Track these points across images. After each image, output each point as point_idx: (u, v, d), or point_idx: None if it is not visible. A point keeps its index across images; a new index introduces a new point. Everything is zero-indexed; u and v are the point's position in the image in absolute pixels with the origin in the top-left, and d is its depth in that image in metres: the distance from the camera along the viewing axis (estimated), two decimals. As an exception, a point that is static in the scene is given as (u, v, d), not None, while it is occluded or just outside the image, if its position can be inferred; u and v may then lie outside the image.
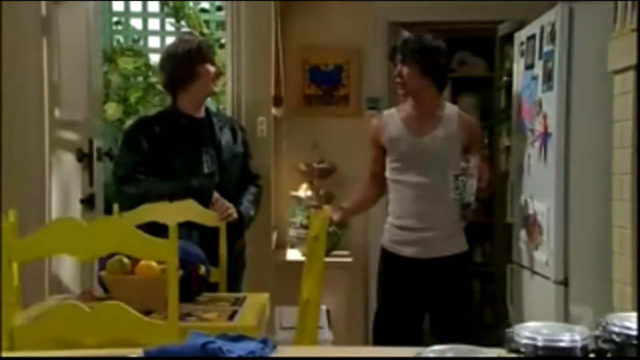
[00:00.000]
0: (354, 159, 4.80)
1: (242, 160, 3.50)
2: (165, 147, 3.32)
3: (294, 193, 4.69)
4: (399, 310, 3.42)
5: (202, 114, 3.44)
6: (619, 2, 2.75)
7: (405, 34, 5.17)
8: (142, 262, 2.57)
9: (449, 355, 1.19)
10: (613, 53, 2.76)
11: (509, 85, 5.19)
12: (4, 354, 2.00)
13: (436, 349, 1.21)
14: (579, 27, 2.94)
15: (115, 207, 3.26)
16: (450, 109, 3.44)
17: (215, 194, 3.31)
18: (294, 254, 4.56)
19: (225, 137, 3.45)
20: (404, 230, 3.37)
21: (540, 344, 1.14)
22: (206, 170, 3.34)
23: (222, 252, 3.26)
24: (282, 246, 4.64)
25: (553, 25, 3.00)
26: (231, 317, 2.54)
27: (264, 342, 1.58)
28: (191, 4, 5.09)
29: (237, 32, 4.09)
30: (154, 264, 2.57)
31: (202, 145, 3.38)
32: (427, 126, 3.34)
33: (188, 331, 2.14)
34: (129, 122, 4.82)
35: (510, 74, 4.86)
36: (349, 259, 4.56)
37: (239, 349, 1.51)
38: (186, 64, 3.34)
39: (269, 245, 4.24)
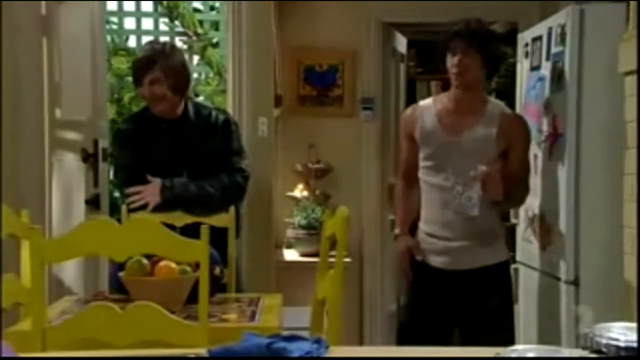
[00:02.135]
0: (349, 159, 4.83)
1: (217, 161, 3.31)
2: (144, 148, 3.29)
3: (289, 193, 4.69)
4: (425, 323, 3.06)
5: (177, 116, 3.33)
6: (631, 4, 2.79)
7: (399, 36, 5.21)
8: (162, 263, 2.56)
9: (531, 355, 1.19)
10: (624, 54, 2.80)
11: (499, 85, 5.27)
12: (35, 355, 1.98)
13: (517, 349, 1.22)
14: (590, 29, 2.98)
15: (124, 208, 3.25)
16: (495, 105, 3.05)
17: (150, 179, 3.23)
18: (291, 254, 4.56)
19: (199, 141, 3.32)
20: (432, 238, 3.04)
21: (622, 344, 1.14)
22: (180, 175, 3.27)
23: (231, 253, 3.25)
24: (278, 246, 4.63)
25: (563, 27, 3.04)
26: (252, 317, 2.54)
27: (318, 342, 1.58)
28: (185, 3, 5.06)
29: (238, 32, 4.08)
30: (173, 265, 2.56)
31: (174, 148, 3.30)
32: (464, 124, 2.97)
33: (215, 332, 2.17)
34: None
35: (505, 76, 4.93)
36: (347, 259, 4.57)
37: (296, 349, 1.51)
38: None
39: (268, 246, 4.24)
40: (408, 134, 3.09)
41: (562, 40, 3.05)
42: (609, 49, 2.88)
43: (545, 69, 3.22)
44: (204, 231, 2.08)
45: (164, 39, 5.17)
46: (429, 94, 5.89)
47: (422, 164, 3.06)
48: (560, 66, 3.07)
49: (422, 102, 3.15)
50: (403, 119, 3.18)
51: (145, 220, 2.07)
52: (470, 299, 2.99)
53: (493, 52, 2.96)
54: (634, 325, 1.24)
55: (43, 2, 3.88)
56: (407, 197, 3.16)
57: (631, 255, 2.81)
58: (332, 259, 2.88)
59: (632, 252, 2.80)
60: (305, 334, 2.89)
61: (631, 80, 2.78)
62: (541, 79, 3.27)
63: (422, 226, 3.09)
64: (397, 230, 3.13)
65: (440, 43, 3.01)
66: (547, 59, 3.22)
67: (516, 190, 2.99)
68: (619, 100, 2.83)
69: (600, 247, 2.99)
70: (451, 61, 2.95)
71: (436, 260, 3.03)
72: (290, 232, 4.57)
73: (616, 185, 2.87)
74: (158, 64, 3.21)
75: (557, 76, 3.11)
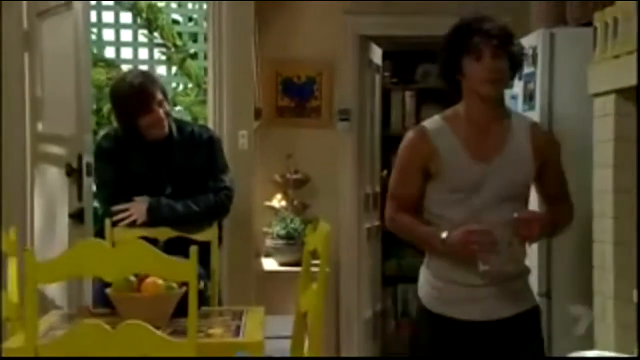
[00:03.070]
0: (326, 170, 4.93)
1: (201, 177, 3.38)
2: (127, 164, 3.34)
3: (268, 203, 4.77)
4: None
5: (165, 136, 3.36)
6: (598, 29, 2.92)
7: (375, 47, 5.32)
8: (148, 280, 2.63)
9: None
10: (593, 77, 2.93)
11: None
12: None
13: None
14: (560, 52, 3.11)
15: (107, 222, 3.31)
16: (519, 117, 2.54)
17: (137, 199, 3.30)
18: (270, 264, 4.64)
19: (183, 158, 3.37)
20: (453, 285, 2.44)
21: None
22: (164, 192, 3.34)
23: (214, 266, 3.33)
24: (257, 255, 4.71)
25: (534, 49, 3.16)
26: (236, 332, 2.63)
27: (306, 362, 1.67)
28: (164, 15, 5.12)
29: (219, 46, 4.15)
30: (159, 281, 2.63)
31: (159, 168, 3.36)
32: (492, 145, 2.41)
33: (202, 348, 2.26)
34: (102, 133, 4.83)
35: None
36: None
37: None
38: (123, 116, 3.30)
39: (248, 256, 4.31)
40: (417, 164, 2.45)
41: (534, 61, 3.17)
42: (577, 72, 3.01)
43: (518, 88, 3.34)
44: (193, 252, 2.16)
45: (143, 50, 5.25)
46: (403, 104, 5.99)
47: (439, 197, 2.45)
48: (531, 86, 3.20)
49: (428, 124, 2.49)
50: (409, 146, 2.48)
51: (135, 242, 2.13)
52: (501, 354, 2.45)
53: (516, 53, 2.40)
54: (608, 354, 1.33)
55: (25, 17, 3.95)
56: (416, 218, 2.49)
57: (601, 269, 2.94)
58: (314, 268, 2.97)
59: (602, 266, 2.93)
60: (285, 343, 3.00)
61: (600, 102, 2.91)
62: (514, 97, 3.39)
63: (439, 270, 2.48)
64: (444, 234, 2.37)
65: (451, 43, 2.39)
66: (519, 78, 3.33)
67: (561, 213, 2.51)
68: (588, 120, 2.95)
69: (571, 260, 3.11)
70: (480, 65, 2.33)
71: (460, 311, 2.44)
72: (269, 242, 4.65)
73: (586, 201, 2.98)
74: (156, 87, 3.28)
75: (529, 96, 3.23)
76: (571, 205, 2.56)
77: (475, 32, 2.34)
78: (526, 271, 2.52)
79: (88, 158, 3.47)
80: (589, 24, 3.02)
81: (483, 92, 2.36)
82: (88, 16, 3.61)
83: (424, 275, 2.54)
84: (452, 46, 2.38)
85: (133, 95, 3.22)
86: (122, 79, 3.37)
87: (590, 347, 2.82)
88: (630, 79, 2.63)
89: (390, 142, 5.76)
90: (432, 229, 2.42)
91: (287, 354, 3.00)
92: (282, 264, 4.57)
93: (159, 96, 3.27)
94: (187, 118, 5.13)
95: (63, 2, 3.60)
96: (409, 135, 2.51)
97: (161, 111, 3.28)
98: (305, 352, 2.79)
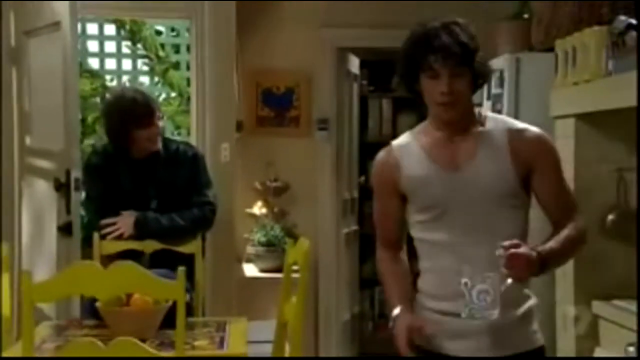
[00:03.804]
0: (305, 177, 5.09)
1: (185, 192, 3.52)
2: (115, 179, 3.49)
3: (249, 210, 4.93)
4: None
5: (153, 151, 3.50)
6: (559, 57, 3.11)
7: (352, 57, 5.46)
8: (137, 296, 2.78)
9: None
10: (554, 101, 3.12)
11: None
12: None
13: None
14: (525, 75, 3.30)
15: (96, 236, 3.46)
16: (496, 120, 2.26)
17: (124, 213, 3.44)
18: (250, 269, 4.79)
19: (168, 174, 3.51)
20: (442, 316, 2.19)
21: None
22: (150, 206, 3.48)
23: (198, 278, 3.49)
24: (238, 261, 4.86)
25: (502, 72, 3.35)
26: (221, 344, 2.78)
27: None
28: (147, 26, 5.24)
29: (201, 60, 4.29)
30: (147, 297, 2.79)
31: (145, 183, 3.50)
32: (460, 154, 2.19)
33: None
34: (86, 142, 4.96)
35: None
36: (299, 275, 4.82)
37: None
38: (119, 129, 3.40)
39: (230, 263, 4.47)
40: (388, 187, 2.28)
41: (501, 83, 3.36)
42: (541, 94, 3.19)
43: (486, 108, 3.52)
44: (181, 273, 2.31)
45: (126, 61, 5.38)
46: (380, 111, 6.16)
47: (415, 218, 2.26)
48: (499, 107, 3.38)
49: (396, 141, 2.31)
50: (377, 169, 2.33)
51: (126, 264, 2.28)
52: None
53: (478, 70, 2.15)
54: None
55: (12, 34, 4.07)
56: (397, 271, 2.31)
57: (563, 277, 3.13)
58: (294, 274, 3.12)
59: (564, 274, 3.12)
60: (266, 347, 3.17)
61: (561, 124, 3.10)
62: (482, 115, 3.57)
63: (425, 301, 2.26)
64: (396, 311, 2.21)
65: (407, 57, 2.14)
66: (488, 98, 3.52)
67: (564, 237, 2.19)
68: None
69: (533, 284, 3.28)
70: (434, 85, 2.11)
71: (449, 346, 2.20)
72: (250, 249, 4.80)
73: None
74: (156, 104, 3.49)
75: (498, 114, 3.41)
76: (578, 221, 2.22)
77: (430, 49, 2.08)
78: (527, 307, 2.22)
79: (76, 173, 3.58)
80: (552, 49, 3.20)
81: (439, 116, 2.18)
82: (76, 36, 3.72)
83: (415, 309, 2.28)
84: (408, 60, 2.14)
85: (138, 109, 3.38)
86: (121, 94, 3.53)
87: (591, 347, 2.98)
88: (587, 106, 2.82)
89: (367, 149, 5.93)
90: (395, 294, 2.26)
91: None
92: (262, 270, 4.72)
93: (158, 112, 3.46)
94: (171, 127, 5.27)
95: (50, 22, 3.72)
96: (377, 157, 2.33)
97: (157, 126, 3.46)
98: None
